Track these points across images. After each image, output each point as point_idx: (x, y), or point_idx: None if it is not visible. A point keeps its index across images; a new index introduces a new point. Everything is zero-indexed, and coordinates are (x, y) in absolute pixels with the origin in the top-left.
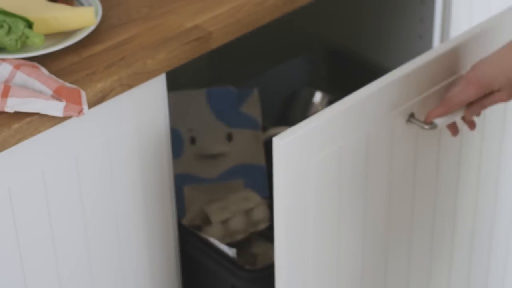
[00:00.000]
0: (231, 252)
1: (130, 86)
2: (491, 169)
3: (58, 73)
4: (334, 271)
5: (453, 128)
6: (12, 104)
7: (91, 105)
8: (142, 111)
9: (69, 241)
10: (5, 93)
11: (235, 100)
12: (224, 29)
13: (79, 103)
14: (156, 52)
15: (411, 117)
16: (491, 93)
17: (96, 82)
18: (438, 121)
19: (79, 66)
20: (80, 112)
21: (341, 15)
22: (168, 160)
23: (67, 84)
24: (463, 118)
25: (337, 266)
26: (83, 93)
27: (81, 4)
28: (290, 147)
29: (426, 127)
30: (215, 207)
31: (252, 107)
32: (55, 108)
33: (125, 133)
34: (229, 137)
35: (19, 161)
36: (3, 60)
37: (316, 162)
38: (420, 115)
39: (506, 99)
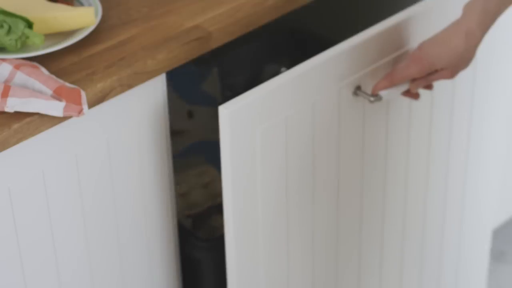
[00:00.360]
0: (186, 223)
1: (130, 86)
2: (441, 141)
3: (58, 73)
4: (284, 238)
5: (412, 94)
6: (12, 104)
7: (91, 105)
8: (142, 111)
9: (69, 241)
10: (5, 93)
11: (195, 78)
12: (224, 29)
13: (79, 103)
14: (156, 52)
15: (358, 89)
16: (436, 70)
17: (96, 82)
18: (383, 93)
19: (79, 66)
20: (80, 112)
21: (339, 14)
22: (168, 159)
23: (67, 84)
24: (408, 92)
25: (287, 234)
26: (83, 93)
27: (81, 4)
28: (236, 115)
29: (372, 99)
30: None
31: (212, 85)
32: (55, 108)
33: (125, 133)
34: (190, 115)
35: (19, 161)
36: (3, 60)
37: (262, 131)
38: (367, 88)
39: (449, 77)
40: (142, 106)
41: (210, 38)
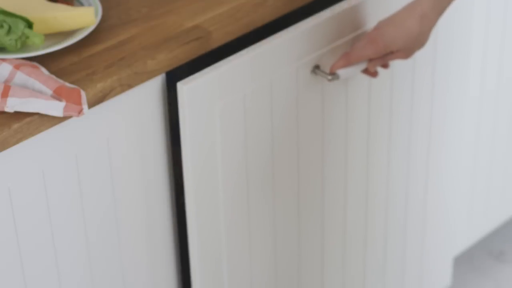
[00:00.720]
0: None
1: (130, 86)
2: (402, 120)
3: (58, 73)
4: (245, 214)
5: (370, 72)
6: (12, 104)
7: (91, 105)
8: (142, 111)
9: (69, 241)
10: (5, 93)
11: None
12: (224, 29)
13: (79, 103)
14: (156, 52)
15: (316, 68)
16: (391, 51)
17: (96, 82)
18: (340, 72)
19: (79, 66)
20: (80, 112)
21: None
22: (168, 159)
23: (67, 84)
24: (366, 70)
25: (248, 209)
26: (83, 93)
27: (81, 4)
28: (194, 91)
29: (329, 77)
30: None
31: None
32: (55, 108)
33: (125, 133)
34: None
35: (19, 161)
36: (3, 60)
37: (221, 108)
38: (325, 67)
39: (404, 58)
40: (142, 106)
41: (210, 38)
